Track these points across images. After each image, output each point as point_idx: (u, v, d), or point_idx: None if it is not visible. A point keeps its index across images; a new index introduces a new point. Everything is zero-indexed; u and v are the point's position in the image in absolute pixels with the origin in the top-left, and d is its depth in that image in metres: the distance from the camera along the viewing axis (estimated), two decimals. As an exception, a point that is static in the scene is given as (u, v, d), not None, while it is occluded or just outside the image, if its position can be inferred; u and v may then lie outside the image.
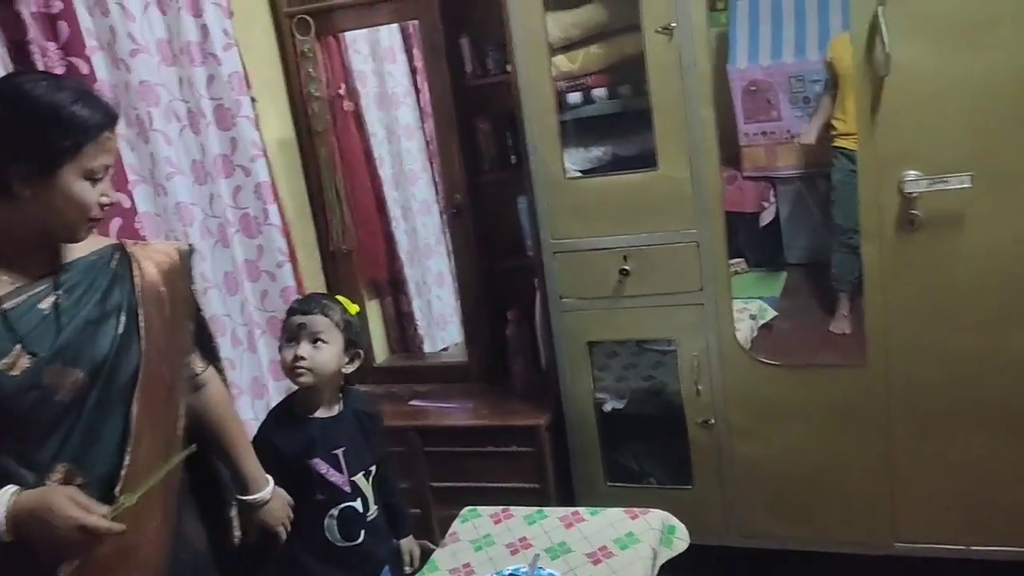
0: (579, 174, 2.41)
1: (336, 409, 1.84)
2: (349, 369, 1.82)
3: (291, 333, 1.77)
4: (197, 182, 2.31)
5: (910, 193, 2.01)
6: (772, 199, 2.97)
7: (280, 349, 1.81)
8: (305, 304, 1.80)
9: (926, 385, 2.13)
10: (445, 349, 3.23)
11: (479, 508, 2.10)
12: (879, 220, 2.07)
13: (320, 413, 1.81)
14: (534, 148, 2.34)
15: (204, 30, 2.32)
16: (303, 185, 2.86)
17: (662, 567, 1.87)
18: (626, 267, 2.30)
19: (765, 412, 2.30)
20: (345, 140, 2.93)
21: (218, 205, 2.36)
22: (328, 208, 2.85)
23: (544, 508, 2.06)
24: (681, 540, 1.96)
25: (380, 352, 3.09)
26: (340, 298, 1.85)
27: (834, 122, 2.63)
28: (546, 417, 2.48)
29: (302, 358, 1.73)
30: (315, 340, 1.75)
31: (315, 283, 2.85)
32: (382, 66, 3.09)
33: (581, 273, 2.37)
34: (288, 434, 1.78)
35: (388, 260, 3.17)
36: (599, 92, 2.50)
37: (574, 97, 2.50)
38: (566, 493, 2.50)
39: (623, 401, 2.60)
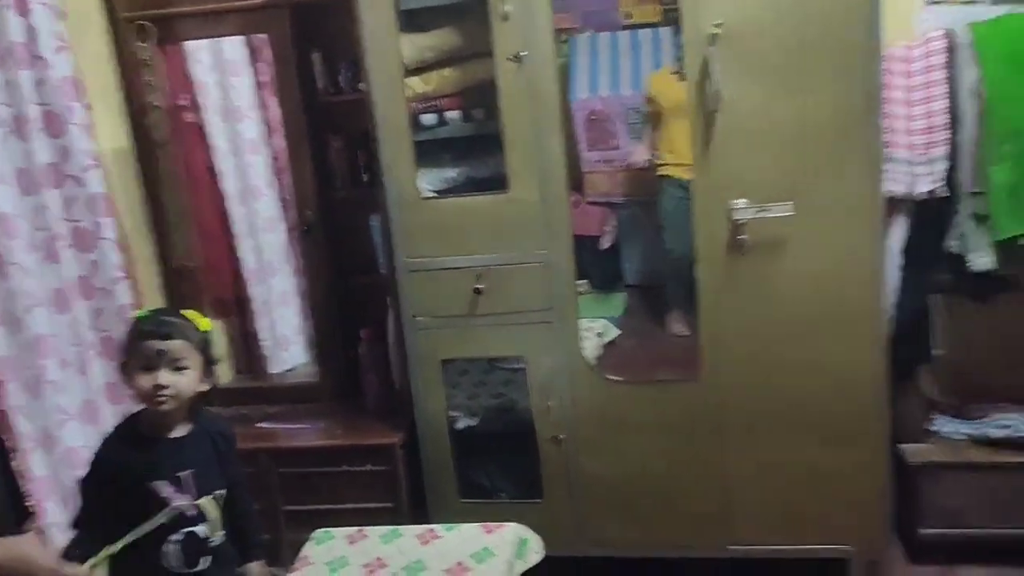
0: (433, 194, 2.45)
1: (186, 429, 1.75)
2: (205, 387, 1.75)
3: (148, 360, 1.65)
4: (23, 192, 2.15)
5: (739, 220, 2.18)
6: (613, 223, 3.11)
7: (126, 372, 1.68)
8: (160, 327, 1.68)
9: (754, 395, 2.30)
10: (290, 370, 3.15)
11: (332, 530, 2.07)
12: (711, 244, 2.23)
13: (169, 433, 1.72)
14: (389, 167, 2.35)
15: (31, 31, 2.17)
16: (141, 198, 2.72)
17: (516, 579, 1.92)
18: (479, 286, 2.35)
19: (611, 426, 2.41)
20: (187, 152, 2.82)
21: (46, 217, 2.21)
22: (170, 223, 2.72)
23: (399, 527, 2.06)
24: (535, 552, 2.01)
25: (225, 373, 2.97)
26: (190, 313, 1.77)
27: (660, 153, 2.80)
28: (400, 436, 2.48)
29: (165, 387, 1.64)
30: (176, 366, 1.66)
31: (155, 301, 2.72)
32: (226, 78, 2.99)
33: (435, 292, 2.40)
34: (132, 454, 1.68)
35: (233, 278, 3.07)
36: (453, 115, 2.55)
37: (428, 118, 2.54)
38: (420, 511, 2.50)
39: (475, 419, 2.65)
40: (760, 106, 2.13)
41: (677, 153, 2.76)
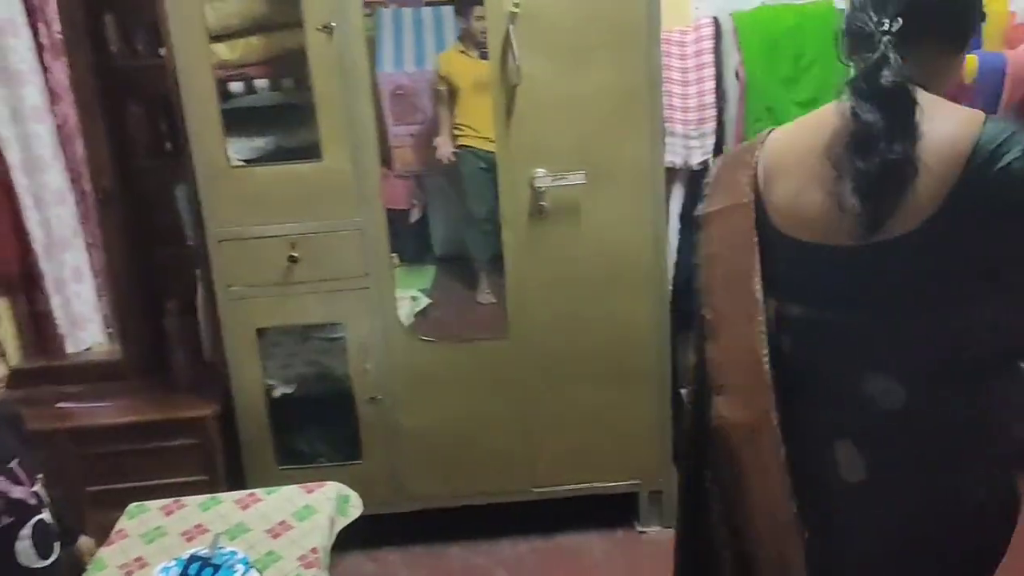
0: (243, 163, 2.43)
1: None
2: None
3: None
4: None
5: (539, 187, 2.36)
6: (420, 197, 3.20)
7: None
8: None
9: (554, 350, 2.51)
10: (87, 350, 3.00)
11: (147, 503, 2.04)
12: (515, 211, 2.40)
13: None
14: (195, 136, 2.32)
15: None
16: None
17: (340, 533, 2.00)
18: (294, 254, 2.38)
19: (426, 385, 2.53)
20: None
21: None
22: (-57, 194, 2.51)
23: (218, 494, 2.07)
24: (355, 508, 2.09)
25: (14, 354, 2.78)
26: None
27: (459, 125, 2.94)
28: (213, 408, 2.47)
29: None
30: None
31: (-72, 279, 2.50)
32: (3, 39, 2.78)
33: (248, 261, 2.40)
34: None
35: (21, 253, 2.87)
36: (261, 83, 2.54)
37: (236, 86, 2.51)
38: (238, 483, 2.50)
39: (292, 386, 2.68)
40: (555, 82, 2.31)
41: (475, 126, 2.92)
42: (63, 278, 3.01)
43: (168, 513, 2.00)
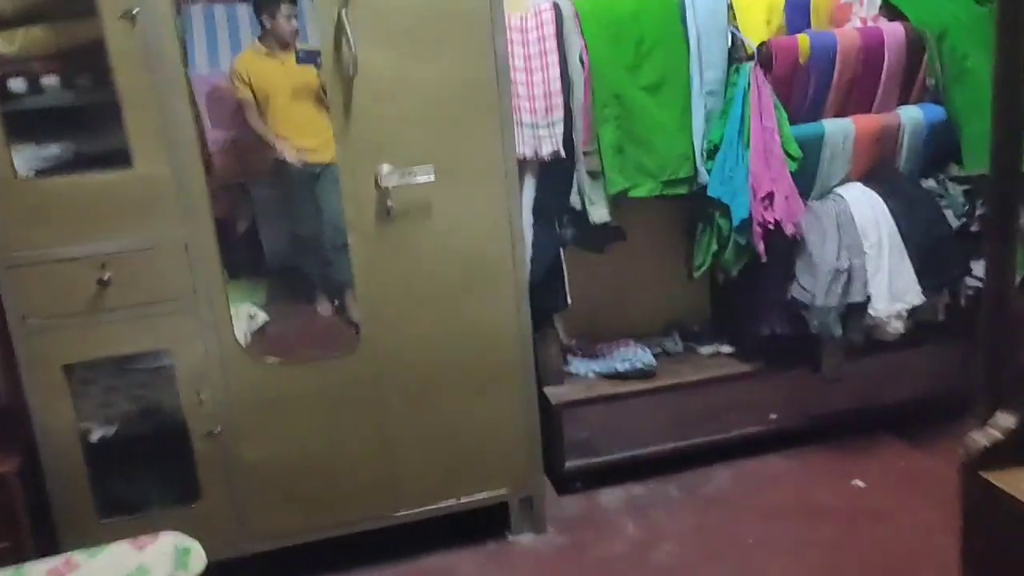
0: (33, 174, 2.09)
1: None
2: None
3: None
4: None
5: (385, 187, 2.18)
6: (247, 207, 2.98)
7: None
8: None
9: (409, 360, 2.34)
10: None
11: (-67, 588, 1.69)
12: (361, 213, 2.21)
13: None
14: (-35, 145, 1.96)
15: None
16: None
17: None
18: (104, 276, 2.07)
19: (270, 411, 2.28)
20: None
21: None
22: None
23: (23, 565, 1.75)
24: (198, 559, 1.83)
25: None
26: None
27: (274, 132, 2.76)
28: (14, 462, 2.10)
29: None
30: None
31: None
32: None
33: (48, 288, 2.06)
34: None
35: None
36: (50, 80, 2.18)
37: (17, 84, 2.15)
38: (49, 545, 2.15)
39: (113, 427, 2.34)
40: (397, 71, 2.15)
41: (289, 134, 2.74)
42: None
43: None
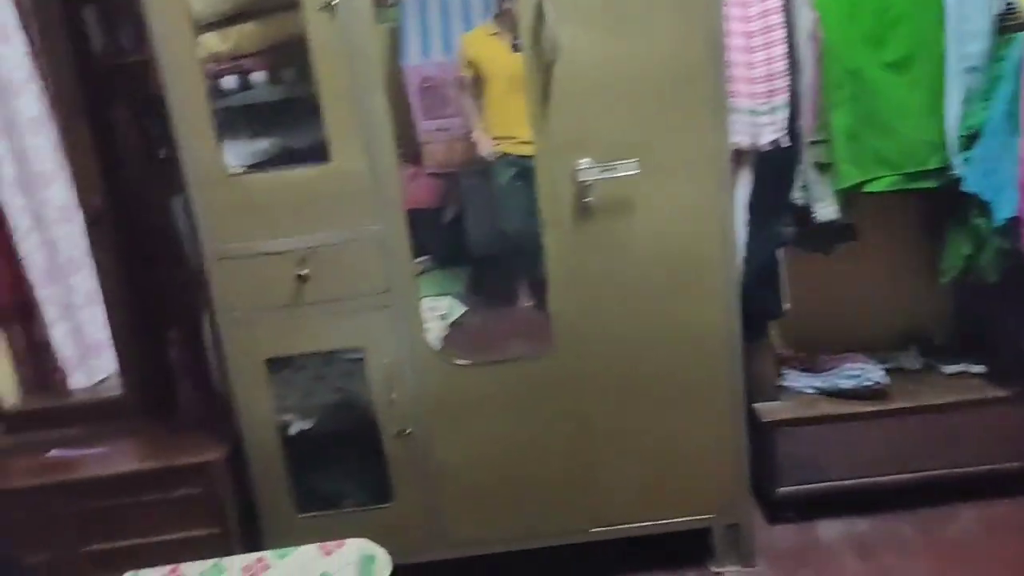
0: (243, 169, 2.12)
1: None
2: None
3: None
4: None
5: (583, 181, 2.02)
6: (454, 195, 2.90)
7: None
8: None
9: (607, 365, 2.16)
10: (104, 380, 2.72)
11: (141, 573, 1.75)
12: (557, 209, 2.06)
13: None
14: (185, 141, 2.02)
15: None
16: None
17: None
18: (303, 271, 2.07)
19: (462, 413, 2.20)
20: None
21: None
22: (-84, 220, 2.25)
23: (222, 560, 1.77)
24: (382, 568, 1.78)
25: (9, 396, 2.52)
26: None
27: (486, 125, 2.61)
28: (221, 450, 2.16)
29: None
30: None
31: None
32: (-6, 46, 2.52)
33: (252, 281, 2.09)
34: None
35: (13, 281, 2.60)
36: (258, 77, 2.22)
37: (229, 82, 2.20)
38: (253, 535, 2.20)
39: (311, 421, 2.36)
40: (599, 55, 1.97)
41: (504, 125, 2.57)
42: (72, 303, 2.75)
43: (163, 586, 1.70)
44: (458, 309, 2.68)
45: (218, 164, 2.04)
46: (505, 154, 2.58)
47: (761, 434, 2.42)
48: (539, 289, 2.66)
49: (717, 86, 1.99)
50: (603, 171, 2.00)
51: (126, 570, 2.01)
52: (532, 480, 2.24)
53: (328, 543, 1.76)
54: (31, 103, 2.60)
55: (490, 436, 2.22)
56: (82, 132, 2.27)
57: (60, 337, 2.68)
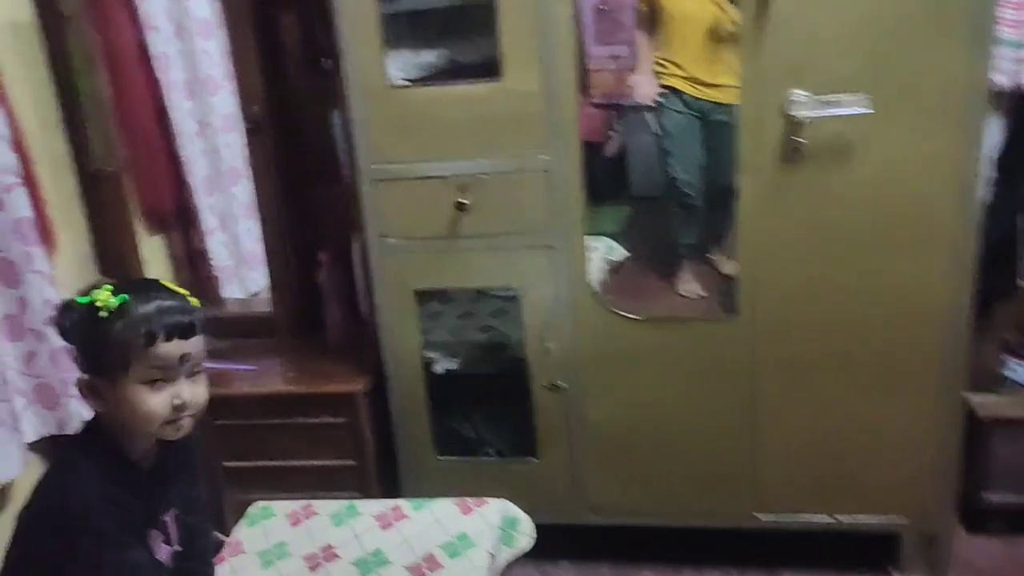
0: (407, 83, 1.94)
1: (154, 449, 1.23)
2: None
3: (162, 372, 1.12)
4: None
5: (796, 117, 1.69)
6: (619, 128, 2.70)
7: (103, 388, 1.13)
8: (179, 319, 1.12)
9: (800, 334, 1.87)
10: (256, 294, 2.69)
11: (273, 504, 1.66)
12: (758, 150, 1.75)
13: (146, 458, 1.22)
14: (348, 48, 1.86)
15: None
16: (51, 86, 2.21)
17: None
18: (463, 200, 1.88)
19: (620, 371, 1.98)
20: (110, 31, 2.29)
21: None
22: (86, 117, 2.22)
23: (356, 502, 1.66)
24: (525, 536, 1.61)
25: (166, 299, 2.52)
26: (170, 285, 1.20)
27: (661, 60, 2.37)
28: (364, 382, 2.05)
29: (188, 406, 1.14)
30: (193, 372, 1.16)
31: (69, 213, 2.24)
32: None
33: (409, 207, 1.93)
34: (122, 490, 1.15)
35: (175, 186, 2.58)
36: (430, -22, 2.02)
37: (399, -17, 2.01)
38: (389, 470, 2.10)
39: (457, 360, 2.20)
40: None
41: (683, 63, 2.34)
42: (231, 213, 2.72)
43: (295, 523, 1.60)
44: (617, 252, 2.45)
45: (381, 75, 1.86)
46: (676, 91, 2.36)
47: (973, 430, 2.05)
48: (712, 241, 2.40)
49: (978, 11, 1.59)
50: (822, 107, 1.67)
51: (260, 489, 1.96)
52: (693, 452, 2.01)
53: (467, 500, 1.61)
54: (202, 4, 2.53)
55: (650, 399, 1.99)
56: (248, 37, 2.16)
57: (217, 246, 2.66)
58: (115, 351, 1.10)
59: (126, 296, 1.12)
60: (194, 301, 1.19)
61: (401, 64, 1.95)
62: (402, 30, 1.96)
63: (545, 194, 1.87)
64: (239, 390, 2.06)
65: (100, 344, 1.12)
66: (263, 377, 2.14)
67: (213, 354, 2.21)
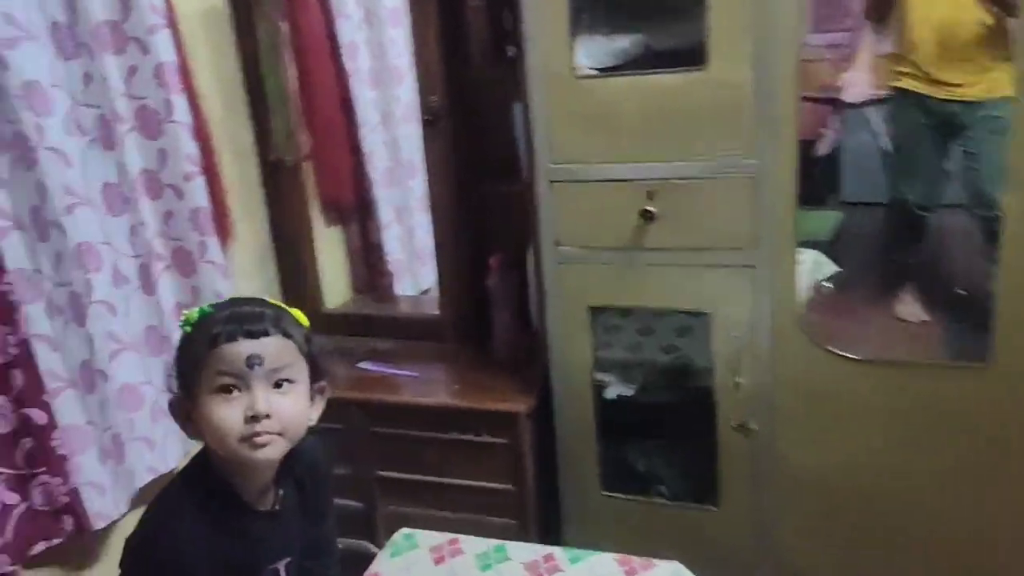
0: (595, 72, 1.73)
1: (272, 489, 1.12)
2: (315, 417, 1.12)
3: (232, 378, 1.01)
4: (62, 55, 1.66)
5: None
6: (835, 125, 2.38)
7: (185, 407, 1.05)
8: (247, 320, 1.03)
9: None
10: (427, 291, 2.60)
11: (418, 534, 1.52)
12: (1031, 161, 1.39)
13: (260, 500, 1.10)
14: (532, 34, 1.67)
15: None
16: (239, 74, 2.20)
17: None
18: (650, 208, 1.64)
19: (827, 415, 1.67)
20: (300, 18, 2.25)
21: (98, 91, 1.72)
22: (270, 106, 2.19)
23: (507, 544, 1.48)
24: (698, 610, 1.36)
25: (339, 293, 2.48)
26: (278, 303, 1.11)
27: (896, 56, 2.03)
28: (528, 401, 1.86)
29: (266, 416, 1.01)
30: (278, 380, 1.04)
31: (250, 203, 2.23)
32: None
33: (588, 212, 1.72)
34: (227, 537, 1.05)
35: (354, 177, 2.53)
36: (629, -46, 1.79)
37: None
38: (549, 500, 1.91)
39: (632, 386, 1.97)
40: None
41: (921, 59, 1.99)
42: (408, 206, 2.65)
43: (438, 560, 1.45)
44: (825, 268, 2.11)
45: (567, 64, 1.66)
46: (907, 91, 2.03)
47: None
48: (931, 294, 2.04)
49: None
50: None
51: (413, 503, 1.85)
52: (906, 513, 1.67)
53: (633, 559, 1.39)
54: (395, -8, 2.46)
55: (861, 451, 1.67)
56: (431, 22, 2.03)
57: (392, 240, 2.59)
58: (188, 360, 1.03)
59: (208, 308, 1.05)
60: (299, 315, 1.09)
61: (591, 51, 1.74)
62: (595, 13, 1.75)
63: (749, 203, 1.60)
64: (397, 397, 1.95)
65: (179, 358, 1.05)
66: (424, 385, 2.01)
67: (378, 356, 2.15)
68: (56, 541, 1.58)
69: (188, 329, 1.03)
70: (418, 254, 2.67)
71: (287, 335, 1.05)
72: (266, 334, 1.03)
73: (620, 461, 1.92)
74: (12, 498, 1.53)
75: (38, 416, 1.53)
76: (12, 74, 1.51)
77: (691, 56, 1.58)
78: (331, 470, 1.19)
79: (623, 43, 1.77)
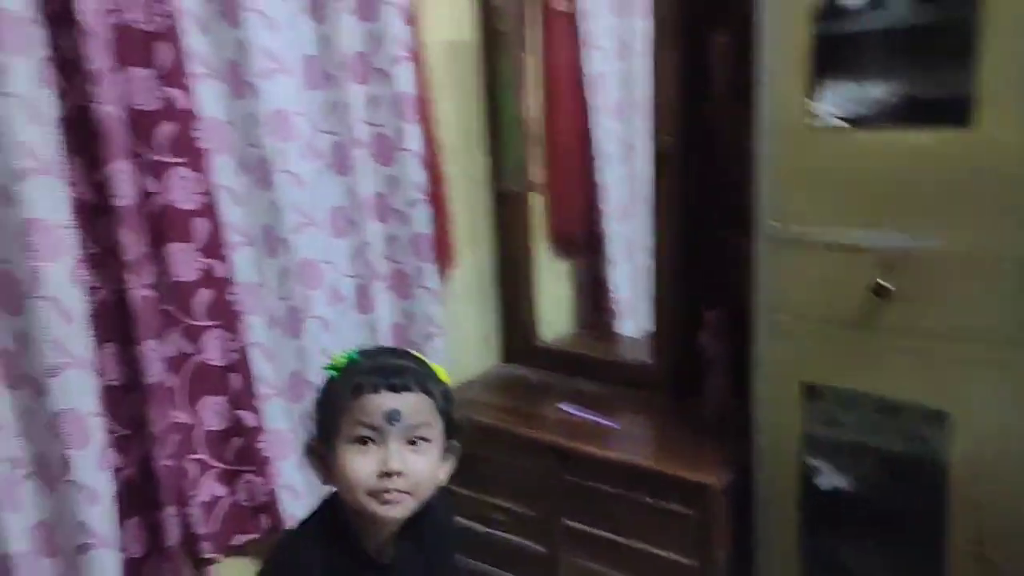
0: (838, 122, 1.53)
1: (392, 543, 1.12)
2: (444, 477, 1.12)
3: (370, 429, 1.02)
4: (308, 84, 1.79)
5: None
6: None
7: (321, 452, 1.07)
8: (391, 373, 1.03)
9: None
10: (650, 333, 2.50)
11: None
12: None
13: (380, 554, 1.10)
14: (766, 76, 1.52)
15: None
16: (479, 103, 2.25)
17: None
18: (885, 283, 1.42)
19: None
20: (551, 49, 2.26)
21: (338, 118, 1.84)
22: (504, 136, 2.22)
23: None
24: None
25: (560, 326, 2.45)
26: (419, 356, 1.12)
27: None
28: (725, 475, 1.70)
29: (399, 473, 1.02)
30: (412, 438, 1.04)
31: (478, 231, 2.28)
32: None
33: (811, 280, 1.53)
34: None
35: (588, 211, 2.49)
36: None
37: (851, -2, 1.58)
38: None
39: (848, 478, 1.71)
40: None
41: None
42: (637, 243, 2.57)
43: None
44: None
45: (802, 112, 1.49)
46: None
47: None
48: None
49: None
50: None
51: (595, 560, 1.78)
52: None
53: None
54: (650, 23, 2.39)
55: None
56: (672, 57, 1.93)
57: (620, 277, 2.51)
58: (329, 406, 1.04)
59: (356, 354, 1.06)
60: (441, 371, 1.08)
61: (835, 99, 1.54)
62: (843, 56, 1.55)
63: (1013, 291, 1.32)
64: (592, 448, 1.86)
65: (320, 402, 1.06)
66: (622, 439, 1.92)
67: (582, 399, 2.09)
68: (253, 536, 1.71)
69: (334, 374, 1.05)
70: (643, 295, 2.57)
71: (427, 392, 1.04)
72: (408, 389, 1.03)
73: (827, 562, 1.68)
74: (221, 491, 1.68)
75: (249, 418, 1.67)
76: (262, 103, 1.66)
77: (955, 112, 1.34)
78: (457, 529, 1.16)
79: (876, 91, 1.54)
